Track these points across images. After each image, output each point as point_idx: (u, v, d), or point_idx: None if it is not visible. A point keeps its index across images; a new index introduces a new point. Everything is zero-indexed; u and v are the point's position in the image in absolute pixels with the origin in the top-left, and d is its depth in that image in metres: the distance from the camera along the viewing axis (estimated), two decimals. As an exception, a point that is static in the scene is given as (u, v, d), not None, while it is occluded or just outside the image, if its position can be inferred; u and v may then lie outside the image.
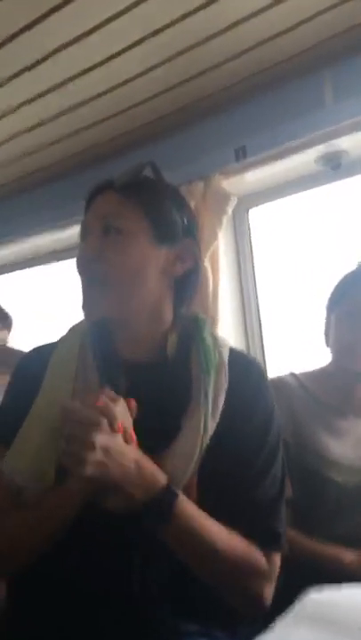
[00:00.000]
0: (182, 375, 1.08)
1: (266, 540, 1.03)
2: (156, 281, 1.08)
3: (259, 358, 2.45)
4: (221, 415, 1.05)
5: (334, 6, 1.80)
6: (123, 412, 0.96)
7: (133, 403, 0.99)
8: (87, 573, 0.99)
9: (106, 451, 0.90)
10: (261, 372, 1.18)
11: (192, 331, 1.13)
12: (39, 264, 3.32)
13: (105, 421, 0.91)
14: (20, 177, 2.91)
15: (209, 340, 1.11)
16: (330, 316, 1.63)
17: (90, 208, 1.12)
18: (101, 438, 0.89)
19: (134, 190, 1.08)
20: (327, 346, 1.66)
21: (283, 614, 0.77)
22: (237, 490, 1.04)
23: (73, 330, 1.16)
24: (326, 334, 1.66)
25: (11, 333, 2.56)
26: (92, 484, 0.94)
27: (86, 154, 2.66)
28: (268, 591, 1.02)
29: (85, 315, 1.08)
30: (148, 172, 1.14)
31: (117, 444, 0.93)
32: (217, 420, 1.04)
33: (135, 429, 1.00)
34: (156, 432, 1.02)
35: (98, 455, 0.89)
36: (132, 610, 0.99)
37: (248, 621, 1.04)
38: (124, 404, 0.97)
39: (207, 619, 1.03)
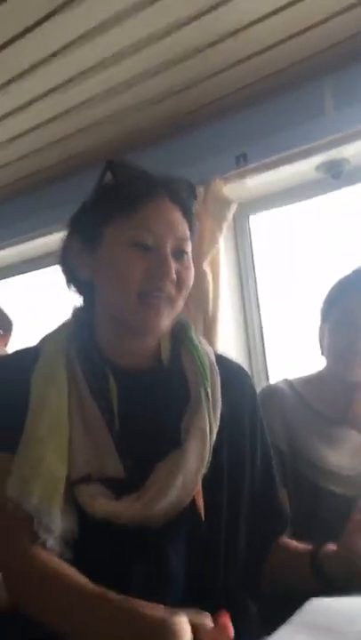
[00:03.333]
0: (177, 378, 1.09)
1: (281, 528, 1.14)
2: None
3: (260, 364, 2.46)
4: (221, 415, 1.08)
5: (335, 15, 1.81)
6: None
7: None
8: (89, 572, 0.97)
9: None
10: (244, 369, 1.23)
11: (180, 334, 1.14)
12: (40, 267, 3.33)
13: None
14: (19, 179, 2.92)
15: (197, 343, 1.13)
16: (324, 323, 1.63)
17: (154, 212, 1.04)
18: None
19: (188, 210, 1.09)
20: (322, 354, 1.66)
21: (283, 622, 0.77)
22: (248, 486, 1.10)
23: (55, 337, 1.12)
24: (321, 341, 1.65)
25: (10, 338, 2.55)
26: None
27: (85, 157, 2.66)
28: None
29: (149, 329, 1.06)
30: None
31: None
32: (218, 418, 1.07)
33: (134, 435, 1.01)
34: (157, 437, 1.03)
35: None
36: None
37: (252, 627, 1.05)
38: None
39: None
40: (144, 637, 0.77)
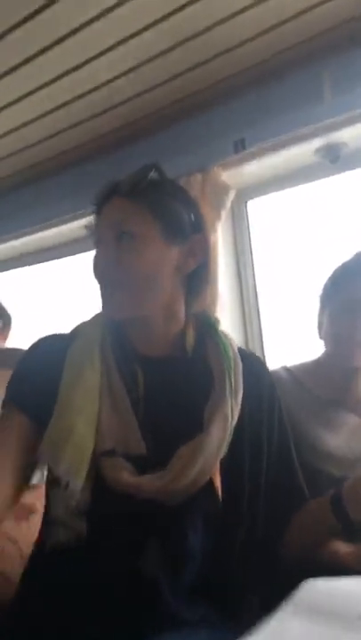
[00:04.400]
0: (202, 368, 1.16)
1: (298, 502, 1.21)
2: (170, 279, 1.14)
3: (258, 352, 2.45)
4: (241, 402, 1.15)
5: (334, -2, 1.79)
6: None
7: None
8: (99, 552, 1.00)
9: None
10: (263, 360, 1.33)
11: (205, 326, 1.22)
12: (41, 260, 3.33)
13: None
14: (19, 171, 2.90)
15: (221, 334, 1.22)
16: (324, 308, 1.62)
17: (100, 216, 1.16)
18: None
19: (141, 194, 1.13)
20: (320, 338, 1.66)
21: (280, 605, 0.78)
22: (266, 466, 1.17)
23: (93, 322, 1.20)
24: (320, 327, 1.65)
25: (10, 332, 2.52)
26: None
27: (84, 147, 2.64)
28: None
29: (107, 317, 1.16)
30: (152, 174, 1.17)
31: None
32: (239, 404, 1.14)
33: (157, 418, 1.09)
34: (179, 420, 1.10)
35: None
36: (137, 589, 1.02)
37: (253, 611, 1.08)
38: None
39: (216, 604, 1.05)
40: None
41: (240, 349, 1.23)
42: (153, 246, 1.11)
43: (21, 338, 2.48)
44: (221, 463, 1.10)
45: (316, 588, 0.81)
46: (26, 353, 1.19)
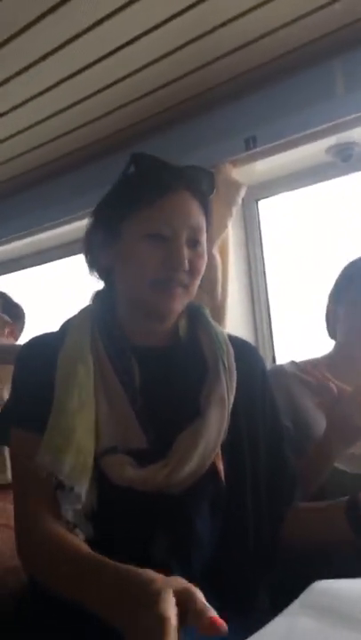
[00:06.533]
0: (194, 353, 1.16)
1: (291, 489, 1.21)
2: None
3: (267, 349, 2.46)
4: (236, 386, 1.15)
5: (346, -5, 1.78)
6: None
7: None
8: (108, 547, 1.00)
9: None
10: (254, 347, 1.34)
11: (195, 314, 1.23)
12: (44, 261, 3.34)
13: None
14: (24, 173, 2.92)
15: (212, 321, 1.23)
16: (336, 304, 1.63)
17: (171, 205, 1.10)
18: None
19: (206, 201, 1.15)
20: (330, 335, 1.67)
21: (288, 604, 0.78)
22: (263, 449, 1.17)
23: (81, 317, 1.18)
24: (330, 323, 1.66)
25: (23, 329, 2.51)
26: None
27: (95, 146, 2.66)
28: None
29: (164, 312, 1.13)
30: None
31: None
32: (234, 387, 1.14)
33: (156, 408, 1.08)
34: (177, 408, 1.10)
35: None
36: None
37: (263, 609, 1.08)
38: None
39: (226, 598, 1.05)
40: (130, 600, 0.77)
41: (230, 336, 1.24)
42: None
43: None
44: (222, 448, 1.10)
45: (325, 589, 0.81)
46: (16, 367, 1.16)
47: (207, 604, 0.73)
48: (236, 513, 1.11)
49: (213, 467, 1.08)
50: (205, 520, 1.08)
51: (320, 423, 1.51)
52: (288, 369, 1.62)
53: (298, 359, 1.68)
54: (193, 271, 1.11)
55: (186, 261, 1.08)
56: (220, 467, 1.09)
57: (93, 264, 1.21)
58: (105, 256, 1.16)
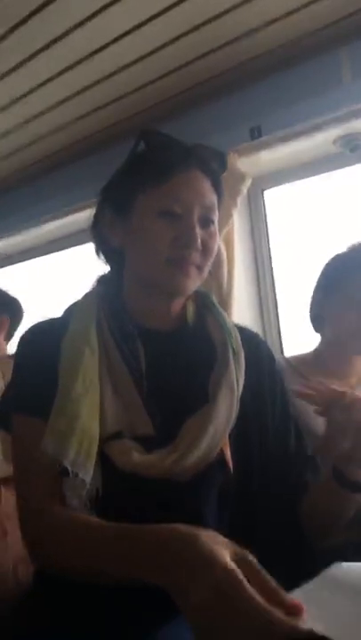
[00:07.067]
0: (202, 338, 1.15)
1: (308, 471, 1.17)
2: None
3: (275, 340, 2.44)
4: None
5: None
6: None
7: None
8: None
9: None
10: (260, 335, 1.31)
11: (203, 300, 1.21)
12: (44, 253, 3.34)
13: None
14: (28, 165, 2.92)
15: (221, 309, 1.22)
16: (326, 296, 1.64)
17: (183, 182, 1.08)
18: None
19: (218, 180, 1.13)
20: (315, 328, 1.69)
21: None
22: (272, 436, 1.15)
23: (87, 301, 1.15)
24: (316, 315, 1.67)
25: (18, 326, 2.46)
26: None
27: (98, 136, 2.65)
28: None
29: (178, 289, 1.10)
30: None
31: None
32: (243, 374, 1.12)
33: (163, 394, 1.06)
34: (184, 394, 1.07)
35: None
36: None
37: None
38: None
39: None
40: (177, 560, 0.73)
41: (236, 325, 1.23)
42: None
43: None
44: (230, 435, 1.08)
45: (344, 569, 0.80)
46: (18, 351, 1.14)
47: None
48: (244, 503, 1.09)
49: (221, 454, 1.06)
50: (213, 509, 1.07)
51: (311, 416, 1.51)
52: (282, 364, 1.62)
53: (287, 355, 1.72)
54: (205, 251, 1.09)
55: (199, 240, 1.06)
56: (228, 454, 1.07)
57: (101, 246, 1.19)
58: (114, 236, 1.14)
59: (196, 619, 0.67)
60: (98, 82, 2.23)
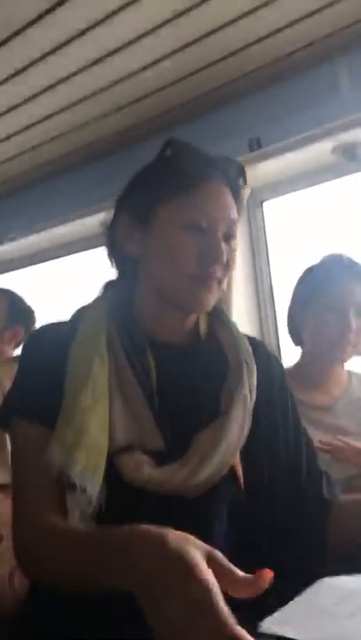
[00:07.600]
0: (214, 351, 1.13)
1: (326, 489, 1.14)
2: None
3: (273, 348, 2.44)
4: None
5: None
6: None
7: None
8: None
9: None
10: (269, 347, 1.31)
11: (215, 311, 1.17)
12: (54, 257, 3.33)
13: None
14: (33, 168, 2.92)
15: (232, 321, 1.19)
16: (302, 313, 1.66)
17: (209, 194, 1.05)
18: None
19: (238, 193, 1.10)
20: (294, 341, 1.71)
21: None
22: (284, 452, 1.12)
23: (97, 308, 1.11)
24: (295, 328, 1.69)
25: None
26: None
27: (97, 145, 2.66)
28: None
29: (200, 307, 1.07)
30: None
31: None
32: (255, 386, 1.10)
33: (174, 408, 1.03)
34: (196, 408, 1.05)
35: None
36: None
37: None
38: None
39: (237, 606, 1.01)
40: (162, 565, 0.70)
41: (247, 336, 1.20)
42: None
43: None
44: (240, 450, 1.05)
45: (333, 584, 0.79)
46: (24, 354, 1.11)
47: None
48: (252, 518, 1.07)
49: (232, 470, 1.04)
50: (223, 526, 1.04)
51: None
52: None
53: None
54: (227, 265, 1.06)
55: (224, 256, 1.04)
56: (240, 470, 1.05)
57: (114, 251, 1.13)
58: (130, 244, 1.08)
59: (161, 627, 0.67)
60: (95, 94, 2.24)
